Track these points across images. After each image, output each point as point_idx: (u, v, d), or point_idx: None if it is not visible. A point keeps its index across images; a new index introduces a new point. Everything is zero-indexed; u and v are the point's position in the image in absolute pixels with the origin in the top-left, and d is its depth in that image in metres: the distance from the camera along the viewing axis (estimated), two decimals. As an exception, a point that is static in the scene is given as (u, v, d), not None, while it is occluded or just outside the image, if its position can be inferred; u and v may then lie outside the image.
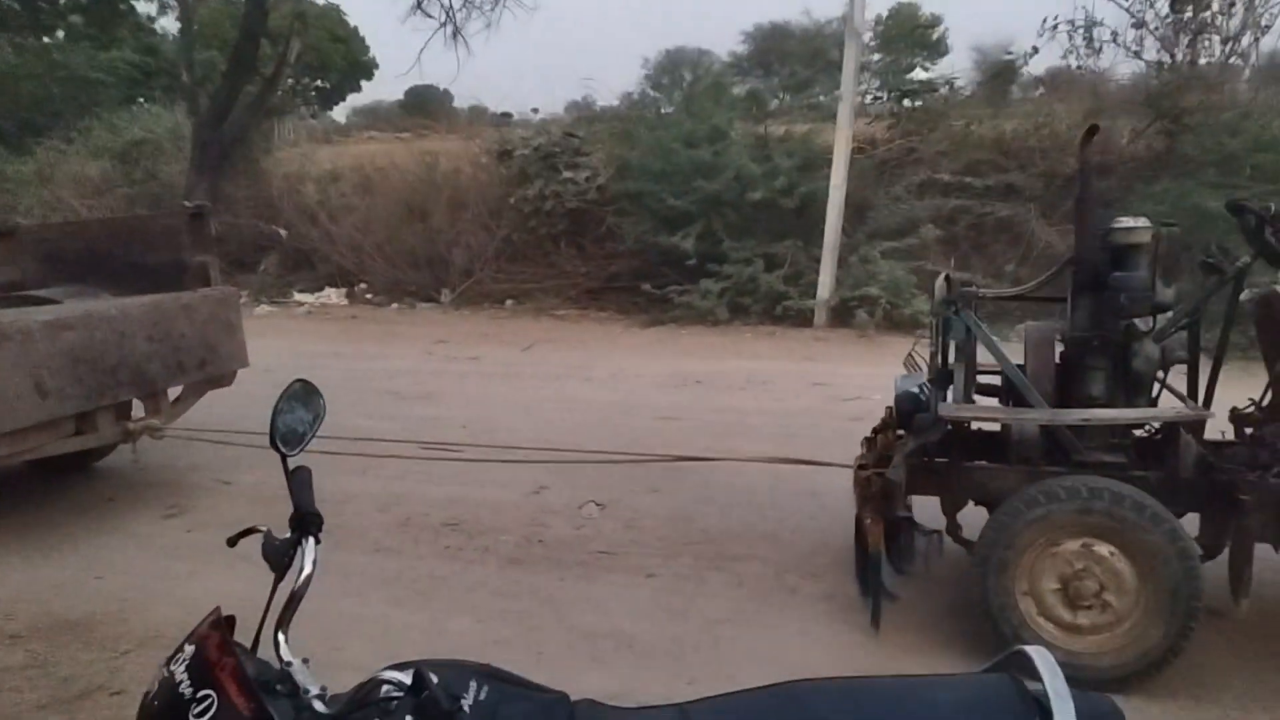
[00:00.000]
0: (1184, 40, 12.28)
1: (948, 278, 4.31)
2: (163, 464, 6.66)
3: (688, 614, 4.37)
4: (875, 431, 4.48)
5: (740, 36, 30.95)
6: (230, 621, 1.70)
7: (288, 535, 1.82)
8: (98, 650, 4.05)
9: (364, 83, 36.05)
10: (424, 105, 31.58)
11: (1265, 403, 4.31)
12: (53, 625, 4.30)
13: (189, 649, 1.61)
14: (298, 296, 14.88)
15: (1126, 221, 4.12)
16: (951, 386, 4.17)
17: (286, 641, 1.67)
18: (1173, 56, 12.34)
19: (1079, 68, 13.01)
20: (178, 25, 22.39)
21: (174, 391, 6.24)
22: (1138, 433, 4.24)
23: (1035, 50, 13.16)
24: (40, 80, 23.37)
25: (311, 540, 1.81)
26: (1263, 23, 12.11)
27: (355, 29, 33.83)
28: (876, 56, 26.35)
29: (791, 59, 27.97)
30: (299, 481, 1.87)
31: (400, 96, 36.23)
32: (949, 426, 4.12)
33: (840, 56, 11.86)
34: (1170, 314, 4.18)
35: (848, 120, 11.13)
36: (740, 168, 12.29)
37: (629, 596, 4.54)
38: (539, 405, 8.11)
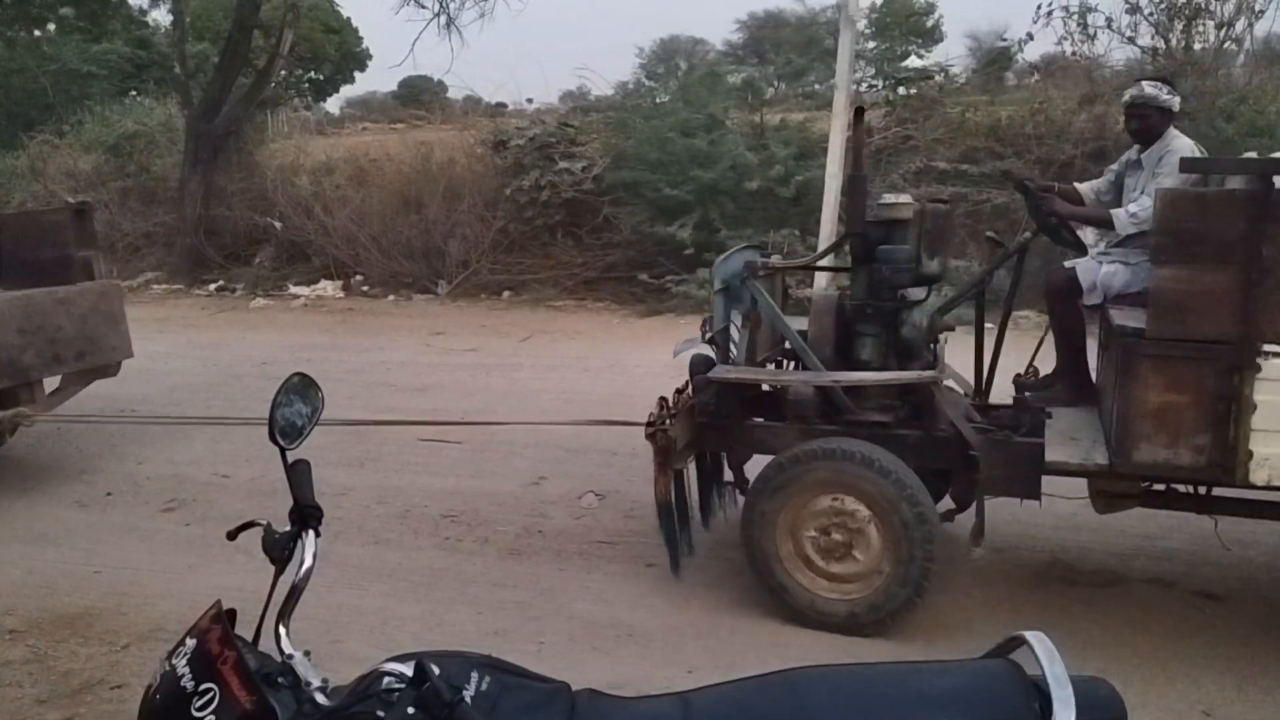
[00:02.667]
0: (1178, 26, 12.25)
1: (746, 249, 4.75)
2: (160, 457, 6.65)
3: (688, 603, 4.38)
4: (677, 392, 4.63)
5: (734, 25, 30.95)
6: (231, 615, 1.70)
7: (288, 528, 1.82)
8: (97, 645, 4.05)
9: (357, 74, 36.06)
10: (417, 96, 31.50)
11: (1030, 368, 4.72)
12: (52, 620, 4.30)
13: (190, 643, 1.62)
14: (293, 289, 14.84)
15: (890, 198, 4.40)
16: (736, 349, 4.53)
17: (288, 634, 1.67)
18: (1167, 42, 12.31)
19: (1074, 54, 12.99)
20: (169, 17, 22.32)
21: (54, 382, 6.45)
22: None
23: (1030, 37, 13.11)
24: (31, 73, 23.26)
25: (311, 533, 1.81)
26: (1257, 7, 12.08)
27: (348, 20, 33.80)
28: (871, 44, 26.35)
29: (786, 47, 27.92)
30: (298, 474, 1.87)
31: (394, 87, 36.22)
32: (720, 387, 4.40)
33: (835, 44, 11.82)
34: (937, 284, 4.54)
35: (843, 108, 11.04)
36: (736, 157, 12.25)
37: (629, 586, 4.55)
38: (536, 396, 8.10)
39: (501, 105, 20.66)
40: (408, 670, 1.53)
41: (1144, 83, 4.57)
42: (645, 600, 4.41)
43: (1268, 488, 3.52)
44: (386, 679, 1.56)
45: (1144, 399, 3.52)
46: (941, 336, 4.62)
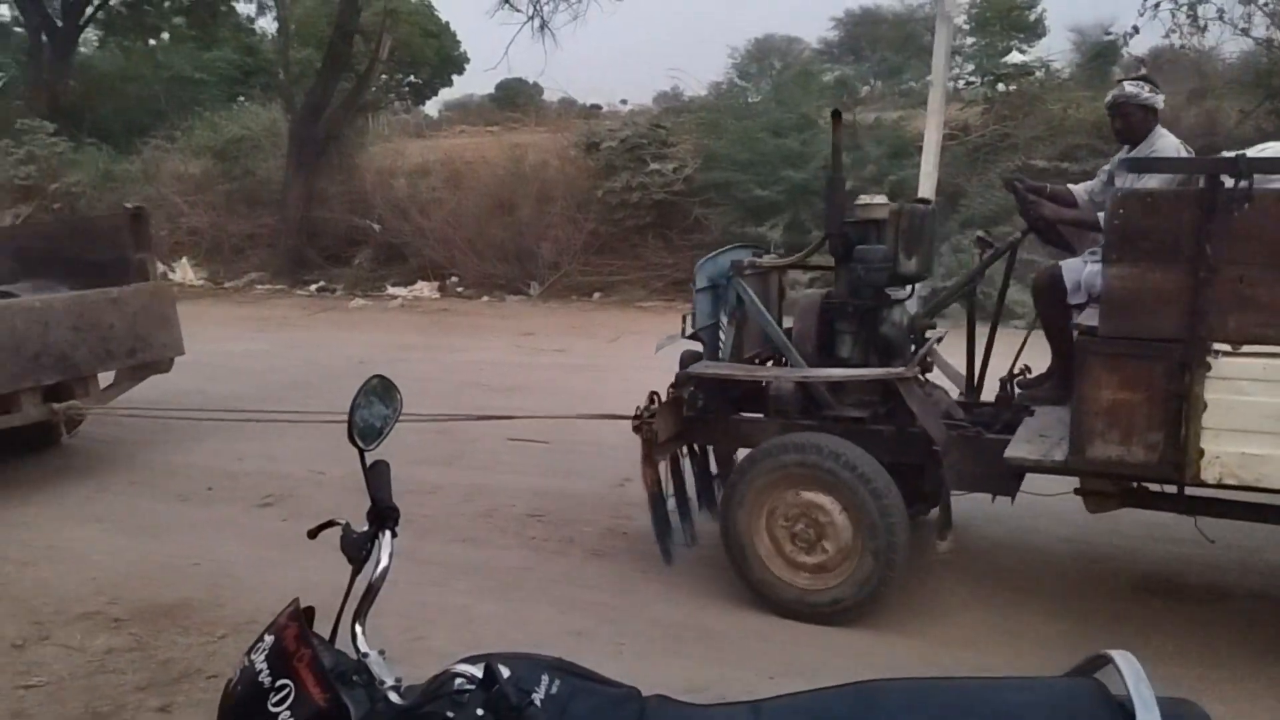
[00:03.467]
0: (1296, 16, 11.74)
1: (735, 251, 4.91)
2: (258, 453, 6.85)
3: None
4: (671, 387, 4.75)
5: (830, 23, 30.48)
6: (309, 613, 1.73)
7: (366, 529, 1.85)
8: (195, 635, 4.19)
9: (455, 77, 36.52)
10: (514, 99, 31.87)
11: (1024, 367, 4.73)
12: (154, 609, 4.45)
13: (268, 639, 1.65)
14: (390, 290, 15.17)
15: (865, 198, 4.56)
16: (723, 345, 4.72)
17: (364, 633, 1.70)
18: (1284, 33, 11.81)
19: (1183, 47, 12.52)
20: (275, 25, 23.00)
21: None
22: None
23: (1136, 30, 12.66)
24: (145, 81, 24.20)
25: (388, 534, 1.83)
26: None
27: (447, 24, 34.27)
28: (970, 40, 25.74)
29: (882, 44, 27.48)
30: (377, 476, 1.90)
31: (491, 90, 36.66)
32: (706, 383, 4.63)
33: (932, 41, 11.59)
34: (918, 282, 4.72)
35: (939, 106, 10.83)
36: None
37: (712, 589, 4.52)
38: (621, 397, 8.10)
39: (596, 107, 20.79)
40: (478, 672, 1.54)
41: (1125, 82, 4.58)
42: (728, 603, 4.38)
43: (1219, 485, 3.54)
44: (457, 680, 1.57)
45: (1097, 396, 3.57)
46: (936, 335, 4.78)
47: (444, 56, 34.95)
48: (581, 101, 21.54)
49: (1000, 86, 13.36)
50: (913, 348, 4.60)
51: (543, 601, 4.48)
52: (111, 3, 24.61)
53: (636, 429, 4.43)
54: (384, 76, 22.75)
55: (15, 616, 4.42)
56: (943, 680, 1.77)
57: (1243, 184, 3.34)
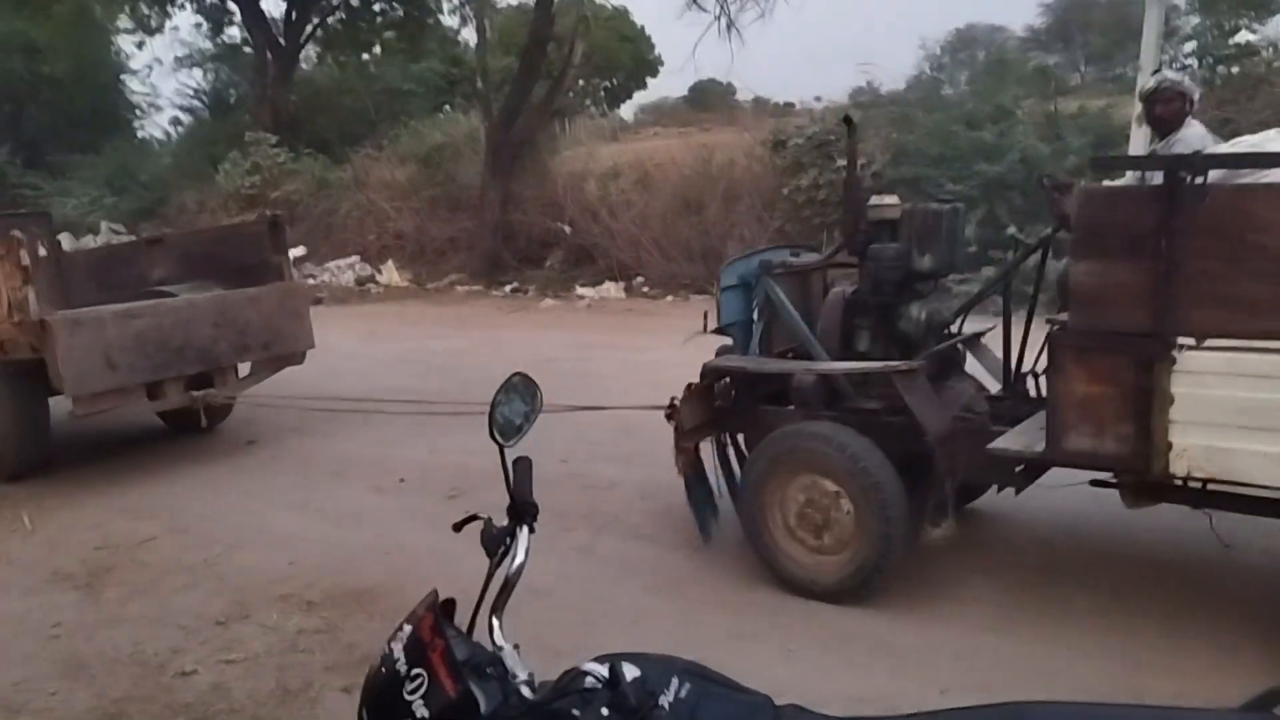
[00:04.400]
0: None
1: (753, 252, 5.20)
2: (451, 446, 7.11)
3: (949, 619, 4.17)
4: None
5: (1038, 9, 29.06)
6: (449, 605, 1.78)
7: (505, 524, 1.89)
8: (379, 620, 4.38)
9: (650, 80, 36.96)
10: (706, 100, 31.98)
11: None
12: (345, 594, 4.70)
13: (406, 629, 1.70)
14: (579, 290, 15.50)
15: (876, 199, 4.78)
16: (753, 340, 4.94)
17: (500, 627, 1.73)
18: None
19: None
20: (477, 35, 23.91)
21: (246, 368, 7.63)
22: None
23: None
24: (358, 93, 25.64)
25: (526, 529, 1.85)
26: None
27: (642, 28, 34.72)
28: (1195, 20, 24.07)
29: (1094, 29, 26.05)
30: (518, 472, 1.92)
31: (685, 92, 36.92)
32: (736, 376, 4.89)
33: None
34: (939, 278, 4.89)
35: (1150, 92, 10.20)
36: (1027, 148, 11.60)
37: (885, 596, 4.38)
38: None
39: (789, 105, 20.57)
40: (606, 671, 1.54)
41: (1166, 71, 4.76)
42: (902, 612, 4.24)
43: (1188, 478, 3.59)
44: (587, 678, 1.57)
45: (1070, 390, 3.67)
46: (974, 331, 4.95)
47: (639, 60, 35.41)
48: (774, 100, 21.38)
49: (1221, 69, 12.41)
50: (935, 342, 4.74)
51: (713, 603, 4.46)
52: (329, 21, 26.21)
53: (668, 417, 4.71)
54: (580, 82, 23.29)
55: (221, 595, 4.77)
56: (1104, 706, 1.66)
57: (1198, 180, 3.38)
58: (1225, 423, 3.41)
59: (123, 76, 31.26)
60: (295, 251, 19.23)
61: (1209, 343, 3.41)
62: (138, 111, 32.27)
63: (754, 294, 4.95)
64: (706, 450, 5.05)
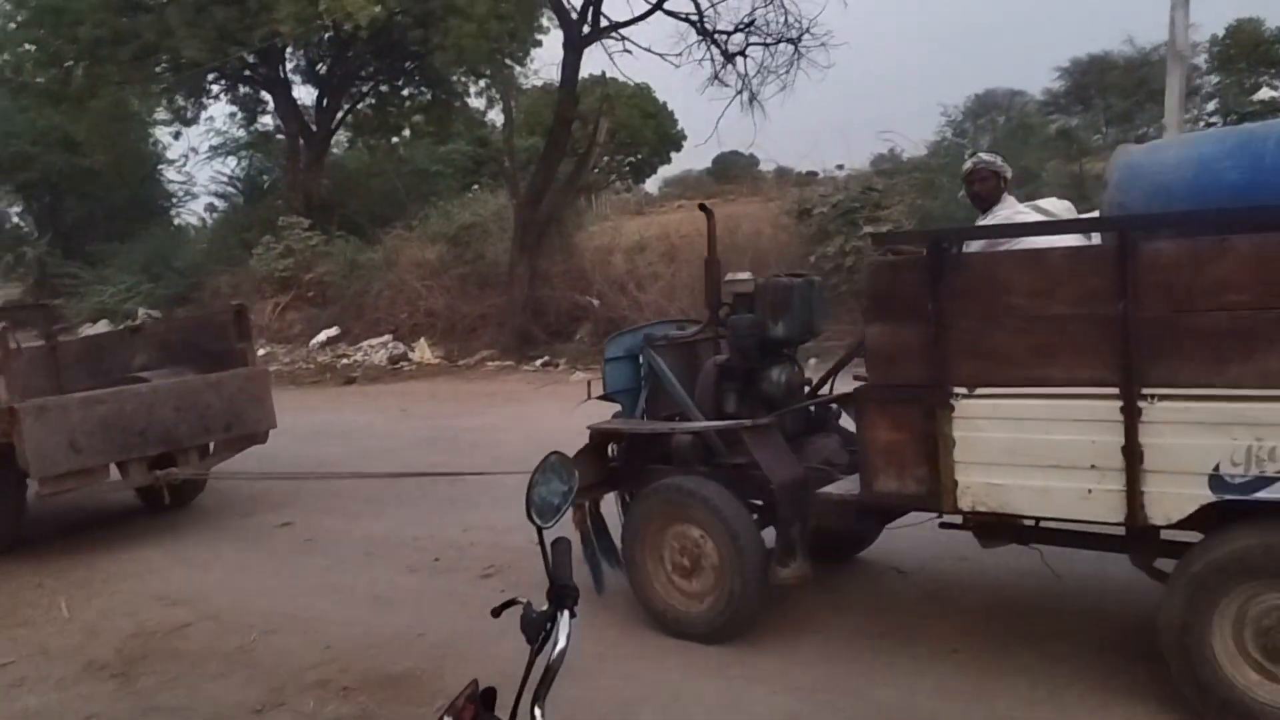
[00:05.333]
0: None
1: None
2: (482, 523, 7.08)
3: (995, 696, 4.05)
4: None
5: (1055, 73, 29.32)
6: (488, 694, 1.74)
7: (545, 608, 1.85)
8: (416, 706, 4.34)
9: (674, 154, 37.52)
10: (729, 171, 32.35)
11: None
12: (380, 679, 4.65)
13: (447, 720, 1.67)
14: (610, 363, 15.50)
15: (732, 275, 5.31)
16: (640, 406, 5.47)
17: (542, 715, 1.69)
18: None
19: None
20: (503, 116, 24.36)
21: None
22: None
23: None
24: (388, 176, 26.14)
25: (567, 614, 1.82)
26: None
27: (664, 104, 35.34)
28: (1214, 79, 24.18)
29: (1113, 91, 26.21)
30: (557, 553, 1.90)
31: (708, 164, 37.37)
32: (627, 438, 5.31)
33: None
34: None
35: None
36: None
37: (932, 671, 4.28)
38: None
39: (811, 174, 20.74)
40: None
41: (980, 153, 5.18)
42: (950, 688, 4.13)
43: (972, 513, 3.98)
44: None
45: (874, 438, 4.12)
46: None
47: (662, 135, 36.01)
48: (797, 169, 21.55)
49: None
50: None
51: (756, 680, 4.36)
52: (359, 106, 26.84)
53: None
54: (604, 158, 23.64)
55: (256, 682, 4.72)
56: None
57: (954, 250, 3.97)
58: (997, 461, 3.84)
59: (159, 166, 32.11)
60: (329, 331, 19.48)
61: (979, 390, 3.86)
62: (174, 199, 33.07)
63: (641, 364, 5.45)
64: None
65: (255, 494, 8.59)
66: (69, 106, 22.91)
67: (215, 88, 26.03)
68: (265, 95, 26.52)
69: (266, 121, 28.31)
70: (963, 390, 3.87)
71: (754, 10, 15.66)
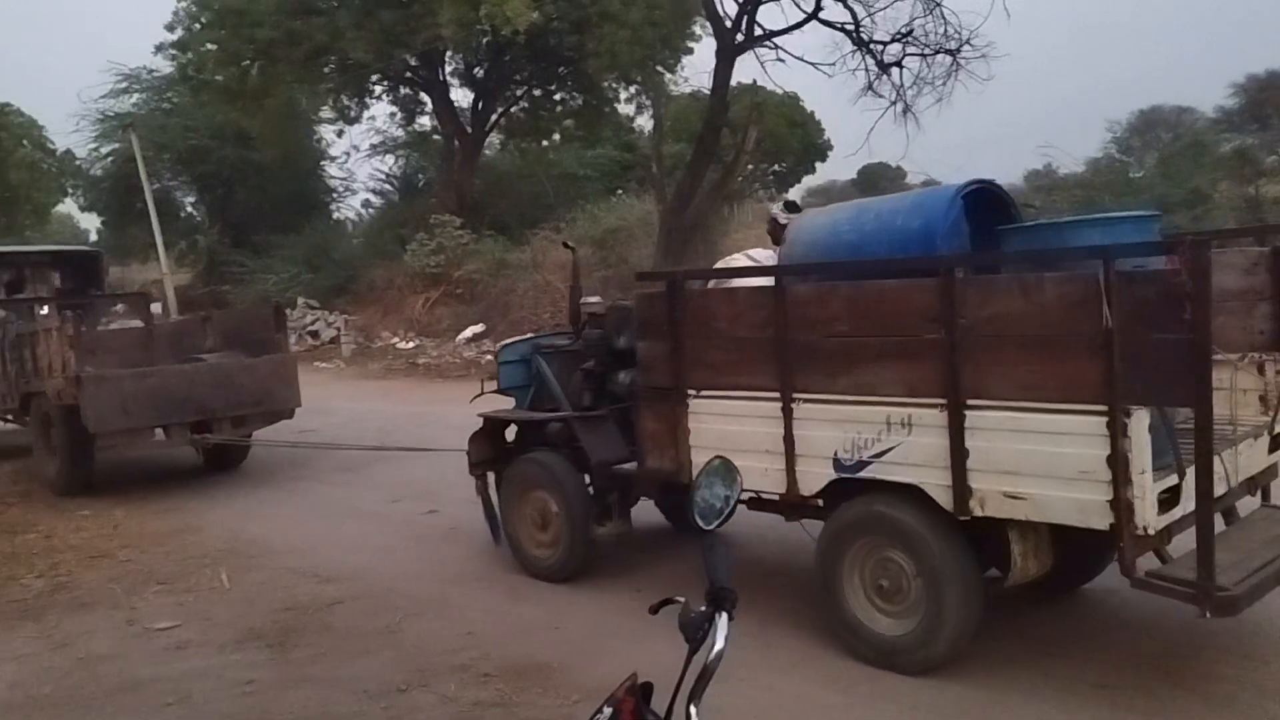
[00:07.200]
0: None
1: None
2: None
3: None
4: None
5: (1229, 89, 27.85)
6: (646, 688, 1.78)
7: (704, 609, 1.88)
8: (553, 695, 4.43)
9: (819, 164, 37.08)
10: (875, 182, 31.82)
11: None
12: (518, 668, 4.76)
13: (607, 710, 1.72)
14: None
15: (585, 299, 6.61)
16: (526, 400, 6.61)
17: (698, 714, 1.72)
18: None
19: None
20: (651, 122, 24.59)
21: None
22: None
23: None
24: (537, 178, 26.68)
25: (725, 616, 1.84)
26: None
27: (811, 113, 34.98)
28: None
29: (1293, 110, 24.75)
30: (717, 556, 1.92)
31: (853, 175, 36.83)
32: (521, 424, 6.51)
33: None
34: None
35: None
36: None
37: (1077, 708, 4.11)
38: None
39: (962, 187, 20.18)
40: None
41: (773, 206, 6.40)
42: (1084, 706, 3.98)
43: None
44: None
45: (645, 426, 5.35)
46: None
47: (808, 144, 35.62)
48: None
49: None
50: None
51: (883, 698, 4.28)
52: (513, 110, 27.50)
53: (467, 453, 6.49)
54: (750, 166, 23.57)
55: (401, 662, 4.91)
56: None
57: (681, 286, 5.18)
58: (714, 446, 4.54)
59: (322, 162, 33.60)
60: (475, 328, 19.98)
61: (704, 392, 5.06)
62: (334, 194, 34.57)
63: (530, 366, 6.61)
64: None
65: (403, 482, 8.91)
66: (245, 103, 24.20)
67: (378, 88, 27.11)
68: (424, 97, 27.46)
69: (424, 122, 29.34)
70: (694, 392, 5.09)
71: (912, 20, 15.41)
